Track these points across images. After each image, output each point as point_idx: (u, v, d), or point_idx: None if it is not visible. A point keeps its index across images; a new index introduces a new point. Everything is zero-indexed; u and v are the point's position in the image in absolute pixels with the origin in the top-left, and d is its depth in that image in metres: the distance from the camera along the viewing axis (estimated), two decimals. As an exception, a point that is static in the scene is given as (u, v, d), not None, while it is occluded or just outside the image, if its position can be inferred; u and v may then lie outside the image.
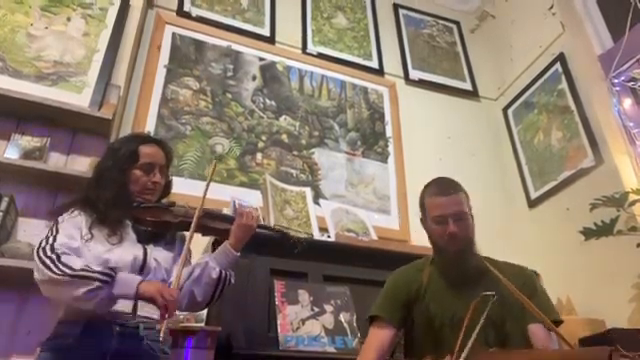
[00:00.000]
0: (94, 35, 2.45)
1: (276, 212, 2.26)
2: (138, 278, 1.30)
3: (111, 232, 1.40)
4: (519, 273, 1.55)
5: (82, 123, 2.20)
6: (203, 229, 1.54)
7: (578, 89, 2.97)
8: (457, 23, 4.02)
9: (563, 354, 1.14)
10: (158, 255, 1.46)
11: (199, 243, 1.67)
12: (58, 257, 1.26)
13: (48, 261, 1.25)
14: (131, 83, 2.64)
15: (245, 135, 2.79)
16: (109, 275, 1.25)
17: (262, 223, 1.97)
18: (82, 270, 1.24)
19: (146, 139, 1.62)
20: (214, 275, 1.45)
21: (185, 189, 2.28)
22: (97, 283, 1.23)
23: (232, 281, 1.51)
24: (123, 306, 1.33)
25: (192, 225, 1.45)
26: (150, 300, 1.26)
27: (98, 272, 1.24)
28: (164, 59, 2.79)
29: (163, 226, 1.50)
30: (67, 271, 1.23)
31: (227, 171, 2.63)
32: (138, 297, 1.27)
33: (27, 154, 2.05)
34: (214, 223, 1.55)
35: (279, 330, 1.79)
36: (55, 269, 1.24)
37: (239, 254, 1.51)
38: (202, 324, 1.87)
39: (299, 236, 1.78)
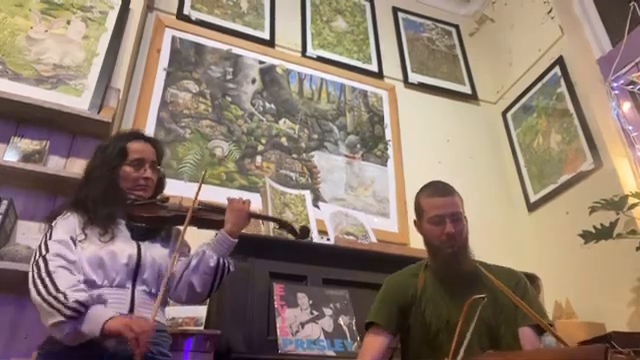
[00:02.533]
0: (94, 38, 2.45)
1: (275, 215, 2.26)
2: (108, 314, 1.24)
3: (103, 230, 1.38)
4: (510, 275, 1.56)
5: (81, 126, 2.20)
6: (198, 222, 1.52)
7: (577, 92, 2.97)
8: (456, 27, 4.03)
9: (560, 353, 1.14)
10: (154, 252, 1.45)
11: (197, 239, 1.65)
12: (49, 273, 1.25)
13: (38, 278, 1.25)
14: (131, 86, 2.64)
15: (244, 138, 2.80)
16: (75, 310, 1.21)
17: (258, 213, 1.98)
18: (55, 298, 1.21)
19: (134, 136, 1.61)
20: (212, 264, 1.43)
21: (185, 192, 2.28)
22: (60, 317, 1.20)
23: (231, 269, 1.49)
24: (120, 307, 1.33)
25: (187, 217, 1.44)
26: (118, 335, 1.22)
27: (67, 306, 1.20)
28: (164, 62, 2.80)
29: (157, 221, 1.49)
30: (52, 291, 1.22)
31: (226, 174, 2.63)
32: (104, 335, 1.22)
33: (26, 157, 2.04)
34: (209, 215, 1.54)
35: (278, 333, 1.79)
36: (42, 288, 1.23)
37: (236, 240, 1.49)
38: (201, 327, 1.86)
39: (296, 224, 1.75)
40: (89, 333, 1.22)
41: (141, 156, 1.53)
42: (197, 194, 1.50)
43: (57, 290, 1.22)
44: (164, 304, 1.50)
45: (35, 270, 1.27)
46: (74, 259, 1.32)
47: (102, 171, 1.48)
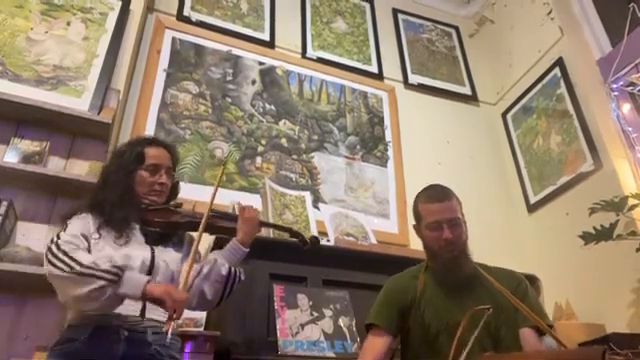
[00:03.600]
0: (94, 39, 2.45)
1: (275, 216, 2.26)
2: (145, 278, 1.29)
3: (118, 233, 1.40)
4: (511, 278, 1.57)
5: (81, 127, 2.20)
6: (211, 228, 1.55)
7: (577, 94, 2.97)
8: (456, 28, 4.03)
9: (558, 355, 1.14)
10: (166, 256, 1.46)
11: (203, 242, 1.67)
12: (65, 253, 1.26)
13: (55, 259, 1.26)
14: (131, 87, 2.64)
15: (244, 139, 2.80)
16: (116, 274, 1.24)
17: (268, 222, 2.01)
18: (88, 268, 1.24)
19: (152, 141, 1.63)
20: (223, 272, 1.45)
21: (185, 193, 2.27)
22: (102, 282, 1.22)
23: (242, 278, 1.51)
24: (131, 309, 1.33)
25: (202, 224, 1.46)
26: (157, 301, 1.26)
27: (104, 270, 1.24)
28: (164, 63, 2.80)
29: (171, 226, 1.51)
30: (75, 266, 1.24)
31: (226, 175, 2.63)
32: (145, 298, 1.27)
33: (26, 158, 2.04)
34: (221, 222, 1.57)
35: (278, 335, 1.79)
36: (61, 264, 1.24)
37: (248, 250, 1.52)
38: (201, 329, 1.86)
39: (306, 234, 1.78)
40: (130, 295, 1.26)
41: (158, 161, 1.54)
42: (212, 201, 1.52)
43: (81, 264, 1.24)
44: None
45: (50, 255, 1.28)
46: (85, 248, 1.34)
47: (118, 175, 1.49)
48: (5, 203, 1.89)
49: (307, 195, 2.54)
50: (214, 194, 1.55)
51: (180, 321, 1.84)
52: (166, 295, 1.25)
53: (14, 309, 1.88)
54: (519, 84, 3.48)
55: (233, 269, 1.48)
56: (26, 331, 1.85)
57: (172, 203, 1.58)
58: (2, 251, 1.84)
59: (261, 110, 2.94)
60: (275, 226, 1.94)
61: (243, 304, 1.83)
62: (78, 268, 1.23)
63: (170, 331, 1.24)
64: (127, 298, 1.27)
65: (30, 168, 1.99)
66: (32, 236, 1.98)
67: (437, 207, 1.54)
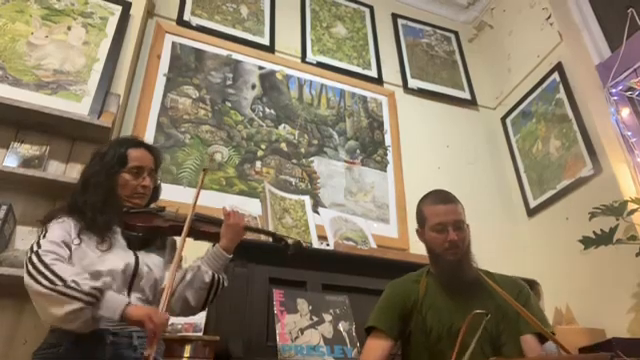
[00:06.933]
0: (94, 44, 2.46)
1: (275, 221, 2.26)
2: (125, 300, 1.26)
3: (100, 238, 1.36)
4: (513, 284, 1.57)
5: (81, 131, 2.20)
6: (194, 233, 1.51)
7: (576, 98, 2.98)
8: (455, 33, 4.05)
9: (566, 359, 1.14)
10: (150, 261, 1.44)
11: (191, 250, 1.64)
12: (47, 266, 1.22)
13: (36, 272, 1.21)
14: (131, 92, 2.65)
15: (244, 143, 2.80)
16: (94, 296, 1.20)
17: (253, 226, 1.97)
18: (69, 287, 1.19)
19: (135, 143, 1.59)
20: (207, 279, 1.43)
21: (184, 197, 2.28)
22: (80, 304, 1.18)
23: (225, 284, 1.49)
24: (115, 314, 1.32)
25: (184, 229, 1.42)
26: (138, 324, 1.23)
27: (84, 292, 1.19)
28: (164, 68, 2.80)
29: (154, 231, 1.48)
30: (57, 282, 1.19)
31: (226, 179, 2.63)
32: (124, 319, 1.23)
33: (26, 162, 2.04)
34: (205, 227, 1.53)
35: (278, 339, 1.78)
36: (43, 279, 1.19)
37: (231, 256, 1.49)
38: (200, 333, 1.85)
39: (291, 238, 1.75)
40: (108, 318, 1.22)
41: (141, 164, 1.51)
42: (194, 205, 1.49)
43: (62, 279, 1.19)
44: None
45: (30, 266, 1.23)
46: (67, 257, 1.30)
47: (100, 177, 1.45)
48: (4, 207, 1.88)
49: (307, 199, 2.54)
50: (196, 198, 1.50)
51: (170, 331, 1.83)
52: (146, 317, 1.20)
53: (13, 313, 1.87)
54: (518, 89, 3.49)
55: (216, 276, 1.45)
56: (25, 335, 1.85)
57: (155, 207, 1.55)
58: (1, 255, 1.84)
59: (261, 114, 2.94)
60: (259, 230, 1.89)
61: (242, 308, 1.82)
62: (60, 285, 1.18)
63: (152, 355, 1.16)
64: (105, 321, 1.23)
65: (30, 172, 1.98)
66: (31, 240, 1.96)
67: (443, 209, 1.55)
